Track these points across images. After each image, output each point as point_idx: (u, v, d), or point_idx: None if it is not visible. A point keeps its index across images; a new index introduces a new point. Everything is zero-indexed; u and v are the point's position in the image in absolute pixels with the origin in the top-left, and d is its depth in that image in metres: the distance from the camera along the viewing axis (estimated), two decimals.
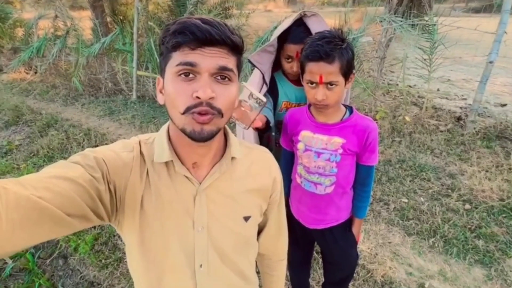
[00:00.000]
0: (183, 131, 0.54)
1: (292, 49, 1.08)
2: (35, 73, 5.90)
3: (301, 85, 1.21)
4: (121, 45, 4.87)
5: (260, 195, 0.70)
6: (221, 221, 0.64)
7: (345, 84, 0.92)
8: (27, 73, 6.14)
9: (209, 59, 0.52)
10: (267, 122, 1.04)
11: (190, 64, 0.52)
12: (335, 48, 0.87)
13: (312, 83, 0.92)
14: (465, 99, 4.23)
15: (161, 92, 0.60)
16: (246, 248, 0.71)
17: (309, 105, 1.07)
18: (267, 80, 1.17)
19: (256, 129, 1.05)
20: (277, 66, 1.21)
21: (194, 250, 0.63)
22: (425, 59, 3.36)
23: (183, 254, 0.62)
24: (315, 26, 1.08)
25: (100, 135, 3.58)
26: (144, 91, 4.92)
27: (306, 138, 1.02)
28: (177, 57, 0.53)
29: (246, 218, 0.67)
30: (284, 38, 1.11)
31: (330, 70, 0.87)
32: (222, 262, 0.66)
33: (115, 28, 5.17)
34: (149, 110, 4.37)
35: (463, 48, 3.90)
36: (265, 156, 0.74)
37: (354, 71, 0.94)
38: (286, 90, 1.24)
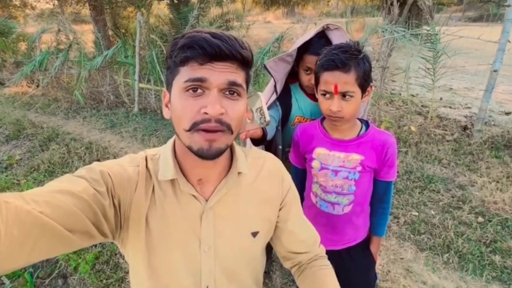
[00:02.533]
0: (190, 148, 0.53)
1: (312, 60, 1.05)
2: (37, 86, 5.91)
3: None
4: (123, 57, 4.89)
5: (268, 205, 0.67)
6: (229, 239, 0.62)
7: (362, 96, 0.88)
8: (29, 87, 6.17)
9: (218, 74, 0.51)
10: (263, 135, 1.01)
11: (199, 80, 0.50)
12: (351, 57, 0.83)
13: (326, 93, 0.88)
14: (469, 108, 4.20)
15: (167, 106, 0.58)
16: (254, 264, 0.69)
17: (322, 120, 1.02)
18: (279, 89, 1.14)
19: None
20: (295, 78, 1.19)
21: (201, 271, 0.61)
22: (428, 69, 3.35)
23: (190, 275, 0.60)
24: (337, 40, 1.05)
25: (102, 148, 3.54)
26: (146, 103, 4.91)
27: (322, 156, 0.97)
28: (185, 73, 0.51)
29: (254, 234, 0.65)
30: (303, 49, 1.09)
31: (346, 80, 0.84)
32: (229, 282, 0.64)
33: (117, 42, 5.22)
34: (151, 123, 4.34)
35: (464, 57, 3.91)
36: (274, 164, 0.71)
37: (371, 84, 0.90)
38: (301, 104, 1.20)
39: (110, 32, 8.52)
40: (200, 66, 0.50)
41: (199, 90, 0.51)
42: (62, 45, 5.44)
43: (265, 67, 1.10)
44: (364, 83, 0.86)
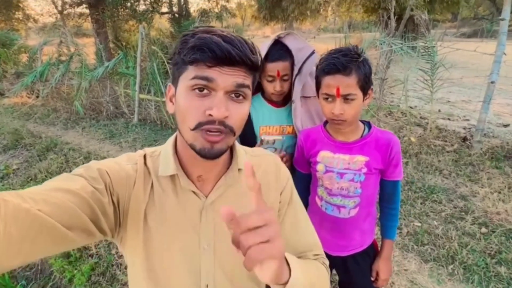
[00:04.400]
0: (192, 147, 0.53)
1: (271, 67, 1.06)
2: (37, 97, 5.93)
3: (283, 105, 1.17)
4: (124, 68, 4.94)
5: (268, 203, 0.66)
6: (229, 236, 0.59)
7: (363, 99, 0.88)
8: (29, 97, 6.18)
9: (227, 77, 0.51)
10: None
11: (207, 79, 0.50)
12: (351, 60, 0.84)
13: (328, 97, 0.88)
14: (468, 120, 4.24)
15: (171, 100, 0.58)
16: None
17: (325, 124, 1.02)
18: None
19: None
20: (256, 90, 1.18)
21: (200, 269, 0.60)
22: (426, 80, 3.40)
23: (189, 273, 0.59)
24: (292, 43, 1.08)
25: (101, 158, 3.50)
26: (146, 114, 4.92)
27: (326, 159, 0.97)
28: (193, 70, 0.51)
29: None
30: (263, 60, 1.09)
31: (348, 83, 0.84)
32: (229, 281, 0.62)
33: (118, 54, 5.28)
34: (151, 133, 4.33)
35: (461, 70, 3.98)
36: (273, 161, 0.70)
37: (372, 87, 0.91)
38: (265, 113, 1.18)
39: (112, 45, 8.66)
40: (208, 68, 0.50)
41: (205, 91, 0.51)
42: (64, 56, 5.50)
43: None
44: (365, 85, 0.87)
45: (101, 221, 0.50)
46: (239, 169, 0.64)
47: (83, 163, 2.87)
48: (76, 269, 1.95)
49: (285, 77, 1.09)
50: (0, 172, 3.34)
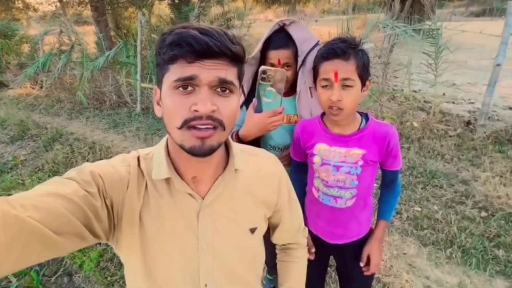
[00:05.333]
0: (181, 147, 0.52)
1: (274, 55, 1.05)
2: (41, 87, 5.97)
3: (290, 94, 1.17)
4: (125, 58, 4.92)
5: (266, 205, 0.68)
6: (227, 236, 0.62)
7: (361, 89, 0.88)
8: (32, 88, 6.22)
9: (208, 71, 0.49)
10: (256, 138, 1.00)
11: (189, 78, 0.49)
12: (350, 46, 0.84)
13: (326, 83, 0.87)
14: (473, 103, 4.17)
15: (158, 104, 0.57)
16: (254, 260, 0.68)
17: (322, 115, 1.02)
18: (246, 90, 1.15)
19: (239, 140, 1.00)
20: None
21: (199, 270, 0.60)
22: (430, 64, 3.33)
23: (187, 274, 0.60)
24: (296, 32, 1.06)
25: (105, 148, 3.57)
26: (148, 103, 4.94)
27: (323, 152, 0.97)
28: (175, 71, 0.50)
29: (253, 230, 0.65)
30: (266, 48, 1.08)
31: (346, 67, 0.84)
32: (228, 280, 0.63)
33: (119, 42, 5.24)
34: (154, 122, 4.36)
35: (467, 52, 3.88)
36: (271, 162, 0.71)
37: (370, 78, 0.90)
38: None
39: (112, 33, 8.57)
40: (189, 64, 0.49)
41: (189, 88, 0.50)
42: (65, 46, 5.48)
43: None
44: (364, 74, 0.86)
45: (94, 225, 0.49)
46: (236, 169, 0.63)
47: (88, 153, 2.91)
48: (85, 255, 2.04)
49: (287, 66, 1.08)
50: (9, 163, 3.42)
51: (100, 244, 2.13)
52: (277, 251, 0.86)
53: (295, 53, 1.07)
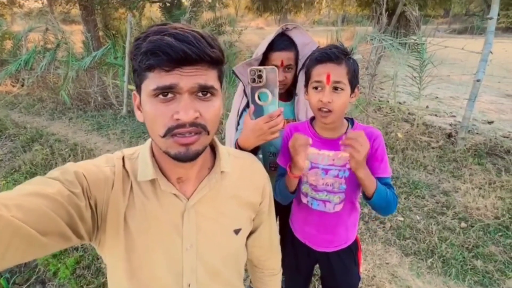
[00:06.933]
0: (167, 153, 0.52)
1: (275, 57, 1.07)
2: (22, 86, 5.76)
3: (287, 100, 1.19)
4: (113, 59, 4.83)
5: (251, 207, 0.69)
6: (211, 237, 0.63)
7: (350, 95, 0.91)
8: (13, 86, 6.00)
9: (188, 78, 0.49)
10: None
11: (169, 87, 0.48)
12: (342, 53, 0.88)
13: (318, 85, 0.89)
14: (454, 116, 4.32)
15: (139, 108, 0.56)
16: (237, 261, 0.70)
17: (311, 120, 1.03)
18: (248, 92, 1.15)
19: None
20: None
21: (183, 269, 0.60)
22: (415, 77, 3.44)
23: (171, 273, 0.60)
24: (298, 37, 1.10)
25: (87, 150, 3.46)
26: None
27: (312, 155, 0.98)
28: (153, 79, 0.49)
29: (237, 231, 0.66)
30: (268, 51, 1.10)
31: (338, 71, 0.87)
32: (211, 279, 0.64)
33: (107, 43, 5.15)
34: (139, 125, 4.28)
35: (449, 67, 4.04)
36: (254, 165, 0.72)
37: (358, 86, 0.93)
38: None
39: (101, 33, 8.42)
40: (167, 73, 0.48)
41: (169, 95, 0.49)
42: (50, 44, 5.34)
43: (233, 72, 1.11)
44: (353, 81, 0.89)
45: (78, 225, 0.49)
46: (222, 172, 0.64)
47: (69, 155, 2.80)
48: (60, 262, 1.94)
49: (289, 68, 1.10)
50: None
51: (77, 250, 2.04)
52: (251, 277, 0.87)
53: (296, 56, 1.10)
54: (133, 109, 4.86)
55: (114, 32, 7.17)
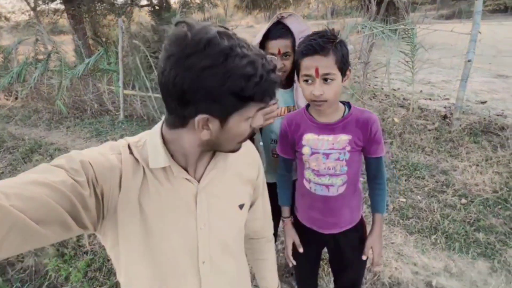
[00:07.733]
0: (232, 151, 0.63)
1: (273, 45, 1.09)
2: (16, 98, 5.74)
3: (288, 87, 1.20)
4: (106, 65, 4.82)
5: (249, 183, 0.74)
6: (221, 214, 0.67)
7: (342, 80, 0.92)
8: (7, 99, 5.97)
9: None
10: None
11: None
12: (328, 41, 0.87)
13: (308, 78, 0.90)
14: (448, 99, 4.38)
15: (203, 128, 0.55)
16: (240, 233, 0.75)
17: (307, 107, 1.05)
18: None
19: None
20: None
21: (198, 248, 0.64)
22: (407, 61, 3.48)
23: (187, 254, 0.63)
24: (294, 24, 1.10)
25: None
26: (132, 110, 4.85)
27: (311, 141, 1.00)
28: (254, 108, 0.55)
29: (241, 206, 0.71)
30: (264, 40, 1.12)
31: (326, 63, 0.86)
32: (223, 254, 0.68)
33: (98, 50, 5.14)
34: (138, 129, 4.29)
35: (439, 51, 4.09)
36: (248, 145, 0.77)
37: (350, 68, 0.94)
38: None
39: (91, 41, 8.39)
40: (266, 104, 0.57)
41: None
42: (41, 55, 5.31)
43: None
44: (343, 66, 0.89)
45: (80, 214, 0.49)
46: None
47: None
48: (71, 266, 1.96)
49: (286, 55, 1.11)
50: None
51: (87, 253, 2.06)
52: (246, 249, 0.88)
53: (293, 44, 1.11)
54: (130, 114, 4.85)
55: (104, 39, 7.14)
